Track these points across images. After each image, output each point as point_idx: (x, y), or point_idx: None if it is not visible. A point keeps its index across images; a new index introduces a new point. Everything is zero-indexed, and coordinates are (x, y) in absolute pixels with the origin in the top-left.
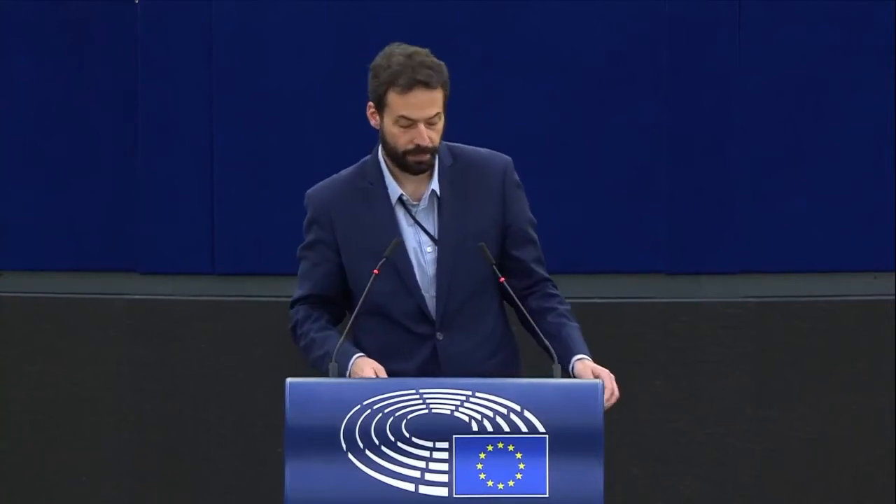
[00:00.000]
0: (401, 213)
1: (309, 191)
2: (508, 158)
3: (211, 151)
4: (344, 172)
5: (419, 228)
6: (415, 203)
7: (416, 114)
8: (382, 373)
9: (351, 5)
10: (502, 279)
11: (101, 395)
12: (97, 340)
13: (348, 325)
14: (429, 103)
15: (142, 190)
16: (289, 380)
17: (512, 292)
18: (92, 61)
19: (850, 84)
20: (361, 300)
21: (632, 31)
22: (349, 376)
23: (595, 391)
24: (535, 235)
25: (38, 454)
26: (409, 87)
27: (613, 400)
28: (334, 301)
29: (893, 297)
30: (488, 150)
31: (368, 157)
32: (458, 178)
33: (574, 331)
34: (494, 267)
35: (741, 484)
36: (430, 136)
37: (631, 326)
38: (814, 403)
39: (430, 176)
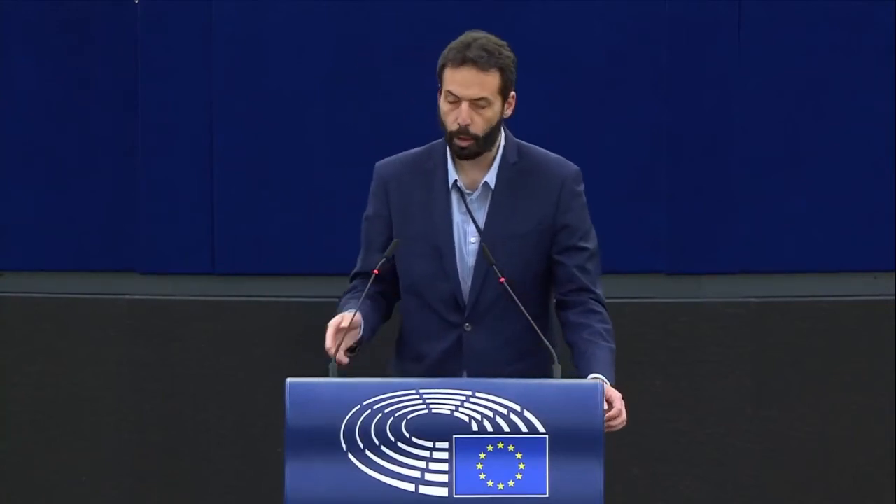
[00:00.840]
0: (455, 199)
1: (377, 163)
2: (576, 168)
3: (211, 151)
4: (414, 150)
5: (468, 217)
6: (469, 191)
7: (460, 90)
8: (346, 321)
9: (351, 5)
10: (502, 279)
11: (101, 395)
12: (97, 340)
13: (363, 294)
14: (475, 83)
15: (142, 190)
16: (289, 380)
17: (514, 295)
18: (92, 61)
19: (850, 84)
20: (369, 285)
21: (632, 31)
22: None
23: (595, 391)
24: (587, 245)
25: (38, 454)
26: (459, 63)
27: (618, 423)
28: (386, 279)
29: (893, 297)
30: (559, 156)
31: (440, 139)
32: (518, 176)
33: (602, 350)
34: (494, 267)
35: (741, 484)
36: (473, 119)
37: (631, 326)
38: (814, 403)
39: (489, 167)
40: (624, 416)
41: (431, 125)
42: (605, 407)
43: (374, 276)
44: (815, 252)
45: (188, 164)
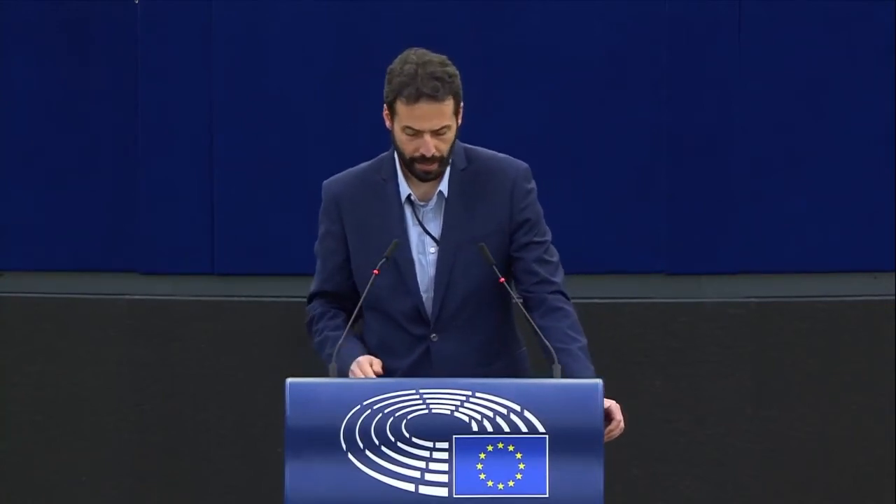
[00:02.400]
0: (408, 212)
1: (325, 181)
2: (524, 165)
3: (211, 151)
4: (362, 165)
5: (422, 228)
6: (422, 203)
7: (421, 125)
8: (377, 366)
9: (351, 6)
10: (502, 279)
11: (101, 395)
12: (97, 340)
13: (348, 325)
14: (435, 115)
15: (142, 190)
16: (289, 380)
17: (512, 292)
18: (92, 61)
19: (850, 84)
20: (363, 297)
21: (632, 31)
22: (350, 375)
23: (595, 391)
24: (543, 239)
25: (38, 454)
26: (415, 98)
27: (616, 433)
28: (347, 297)
29: (893, 297)
30: (507, 156)
31: (387, 152)
32: (469, 181)
33: (573, 356)
34: (494, 267)
35: (741, 484)
36: (437, 146)
37: (631, 326)
38: (814, 403)
39: (441, 177)
40: (622, 425)
41: None
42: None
43: (374, 275)
44: (815, 252)
45: (188, 164)
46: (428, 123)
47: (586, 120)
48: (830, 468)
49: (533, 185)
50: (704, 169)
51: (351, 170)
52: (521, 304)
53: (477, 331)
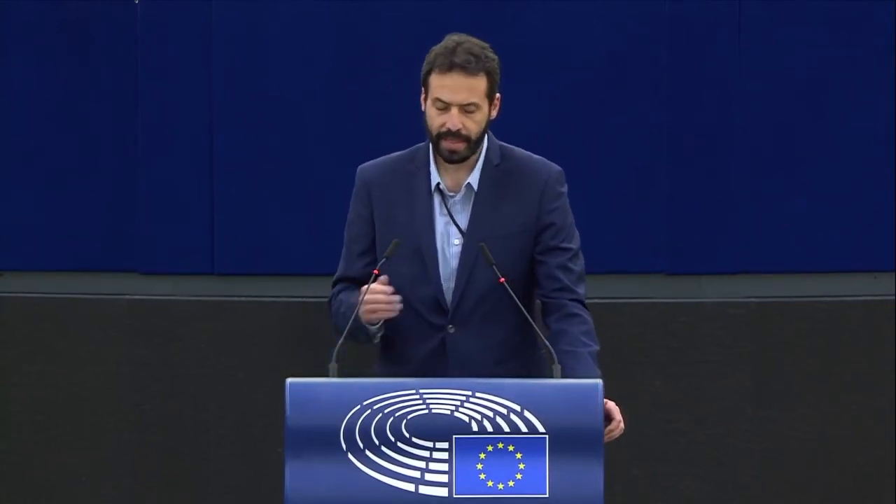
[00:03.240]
0: (437, 202)
1: (360, 166)
2: (558, 168)
3: (211, 151)
4: (398, 153)
5: (451, 219)
6: (451, 193)
7: (450, 97)
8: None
9: (351, 6)
10: (502, 279)
11: (101, 395)
12: (97, 340)
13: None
14: (464, 88)
15: (142, 190)
16: (289, 380)
17: (513, 294)
18: (92, 61)
19: (850, 84)
20: (369, 285)
21: (632, 31)
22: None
23: (595, 391)
24: (570, 245)
25: (38, 454)
26: (447, 69)
27: (617, 433)
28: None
29: (893, 297)
30: (542, 158)
31: (423, 142)
32: (501, 177)
33: (581, 359)
34: (494, 267)
35: (741, 484)
36: (465, 124)
37: (631, 326)
38: (814, 403)
39: (472, 169)
40: (622, 426)
41: None
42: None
43: (374, 276)
44: (815, 252)
45: (188, 164)
46: (457, 96)
47: (586, 120)
48: (830, 468)
49: (565, 189)
50: (704, 169)
51: (386, 157)
52: (519, 298)
53: (495, 327)
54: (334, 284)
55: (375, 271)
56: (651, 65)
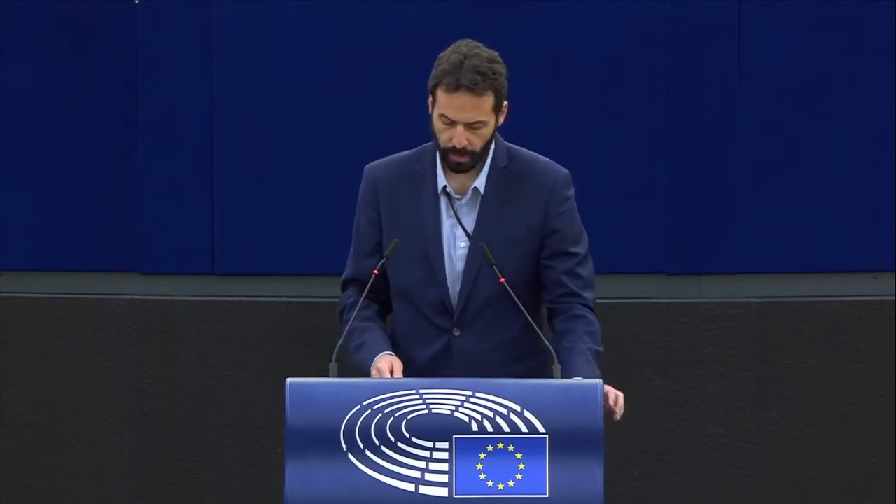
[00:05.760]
0: (443, 204)
1: (367, 165)
2: (566, 172)
3: (211, 151)
4: (405, 153)
5: (457, 221)
6: (458, 196)
7: (456, 116)
8: (398, 371)
9: (351, 5)
10: (502, 279)
11: (101, 395)
12: (97, 340)
13: (349, 322)
14: (471, 108)
15: (142, 190)
16: (289, 380)
17: (514, 295)
18: (92, 61)
19: (850, 84)
20: (368, 287)
21: (632, 31)
22: (372, 371)
23: (595, 391)
24: (577, 250)
25: (38, 454)
26: (454, 88)
27: (618, 409)
28: (377, 286)
29: (893, 297)
30: (549, 160)
31: (430, 142)
32: (507, 180)
33: (578, 354)
34: (495, 267)
35: (741, 484)
36: (470, 140)
37: (631, 326)
38: (814, 403)
39: (478, 172)
40: (621, 402)
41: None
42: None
43: (374, 276)
44: (815, 252)
45: (188, 164)
46: (463, 115)
47: (586, 120)
48: (830, 468)
49: (572, 192)
50: (704, 169)
51: (394, 156)
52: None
53: (500, 330)
54: (344, 286)
55: (375, 272)
56: (651, 65)
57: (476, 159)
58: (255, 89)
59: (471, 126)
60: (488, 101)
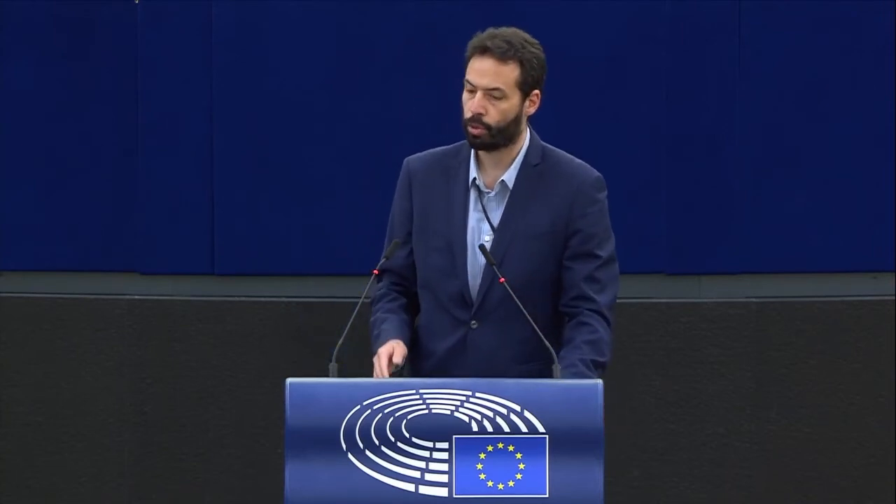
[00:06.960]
0: (472, 197)
1: (407, 157)
2: (597, 174)
3: (211, 151)
4: (444, 147)
5: (484, 215)
6: (487, 190)
7: (476, 79)
8: (398, 356)
9: (351, 5)
10: (502, 279)
11: (101, 395)
12: (97, 340)
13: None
14: (491, 73)
15: (142, 190)
16: (289, 380)
17: (513, 294)
18: (92, 61)
19: (850, 84)
20: (371, 273)
21: (632, 31)
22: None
23: (595, 391)
24: (600, 253)
25: (38, 454)
26: (480, 52)
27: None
28: (408, 276)
29: (893, 297)
30: (583, 162)
31: None
32: (538, 178)
33: (566, 367)
34: (495, 267)
35: (741, 484)
36: (486, 108)
37: (631, 326)
38: (814, 403)
39: (508, 166)
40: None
41: (432, 125)
42: None
43: (374, 276)
44: (815, 252)
45: (188, 164)
46: (483, 80)
47: (586, 120)
48: (830, 468)
49: (602, 195)
50: (704, 169)
51: (434, 150)
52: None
53: (517, 326)
54: (379, 276)
55: (375, 272)
56: (651, 65)
57: (493, 136)
58: (255, 89)
59: (490, 94)
60: (511, 70)
